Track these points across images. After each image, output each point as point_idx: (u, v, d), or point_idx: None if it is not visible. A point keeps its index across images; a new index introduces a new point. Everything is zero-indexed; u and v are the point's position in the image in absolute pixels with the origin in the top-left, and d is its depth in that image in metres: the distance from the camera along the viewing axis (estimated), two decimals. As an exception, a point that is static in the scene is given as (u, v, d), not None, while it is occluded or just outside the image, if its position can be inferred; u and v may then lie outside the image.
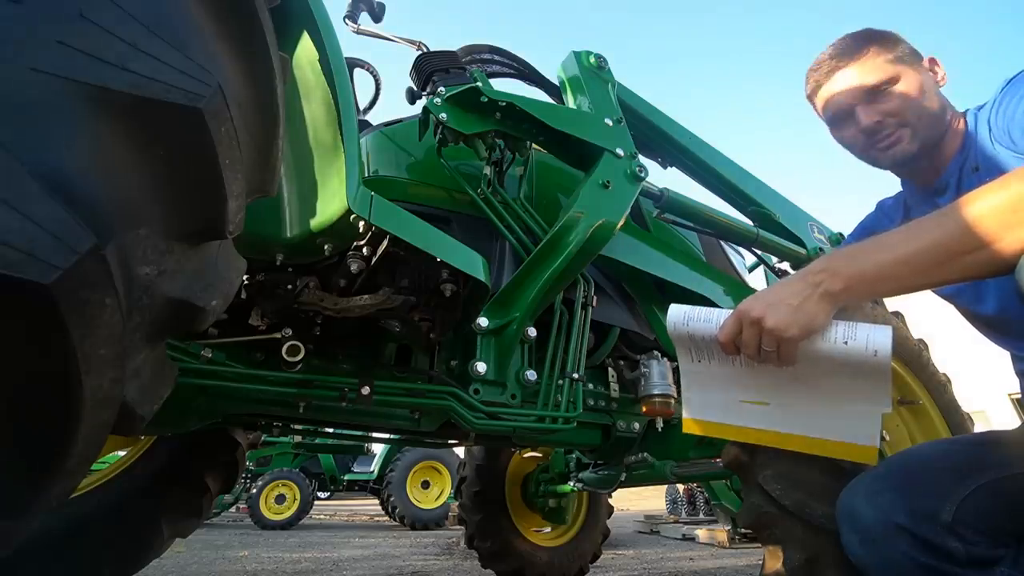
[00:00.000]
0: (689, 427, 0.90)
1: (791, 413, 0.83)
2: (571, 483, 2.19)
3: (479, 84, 1.24)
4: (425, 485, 7.25)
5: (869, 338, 0.74)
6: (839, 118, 1.08)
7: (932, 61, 1.06)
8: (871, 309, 1.19)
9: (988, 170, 0.94)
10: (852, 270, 0.77)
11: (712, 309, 0.85)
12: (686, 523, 6.52)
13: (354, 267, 1.04)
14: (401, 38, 1.53)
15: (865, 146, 1.06)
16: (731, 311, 0.82)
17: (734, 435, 0.88)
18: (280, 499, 6.97)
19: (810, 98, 1.14)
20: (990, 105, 0.98)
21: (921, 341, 1.43)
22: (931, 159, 1.05)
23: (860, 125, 1.04)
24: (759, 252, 1.81)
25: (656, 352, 1.61)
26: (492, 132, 1.28)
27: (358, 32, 1.58)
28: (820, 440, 0.82)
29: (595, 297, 1.41)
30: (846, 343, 0.75)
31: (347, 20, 1.56)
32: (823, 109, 1.11)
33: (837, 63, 1.06)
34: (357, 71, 1.68)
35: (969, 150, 1.01)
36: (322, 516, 9.80)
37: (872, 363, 0.74)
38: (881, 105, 1.02)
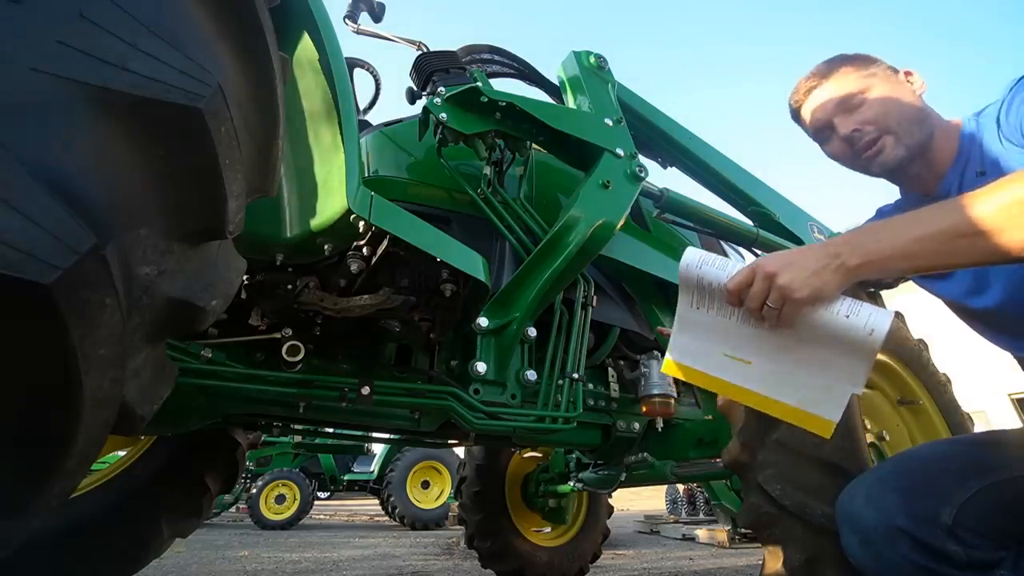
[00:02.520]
0: (668, 367, 0.92)
1: (769, 376, 0.84)
2: (571, 483, 2.19)
3: (479, 84, 1.24)
4: (425, 485, 7.25)
5: (871, 317, 0.75)
6: (821, 132, 1.12)
7: (907, 73, 1.09)
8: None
9: (995, 171, 0.94)
10: (871, 246, 0.78)
11: (727, 259, 0.86)
12: (686, 523, 6.52)
13: (354, 267, 1.04)
14: (401, 38, 1.53)
15: (852, 156, 1.08)
16: (745, 263, 0.83)
17: (708, 383, 0.89)
18: (280, 499, 6.97)
19: (795, 119, 1.19)
20: (998, 105, 0.98)
21: (921, 341, 1.43)
22: (927, 166, 1.05)
23: (840, 135, 1.07)
24: (759, 252, 1.81)
25: (656, 352, 1.61)
26: (492, 132, 1.28)
27: (358, 32, 1.58)
28: (787, 405, 0.83)
29: (595, 297, 1.41)
30: (847, 317, 0.76)
31: (347, 20, 1.56)
32: (807, 127, 1.16)
33: (813, 83, 1.12)
34: (357, 71, 1.68)
35: (969, 155, 1.01)
36: (322, 516, 9.80)
37: (865, 342, 0.75)
38: (857, 115, 1.05)
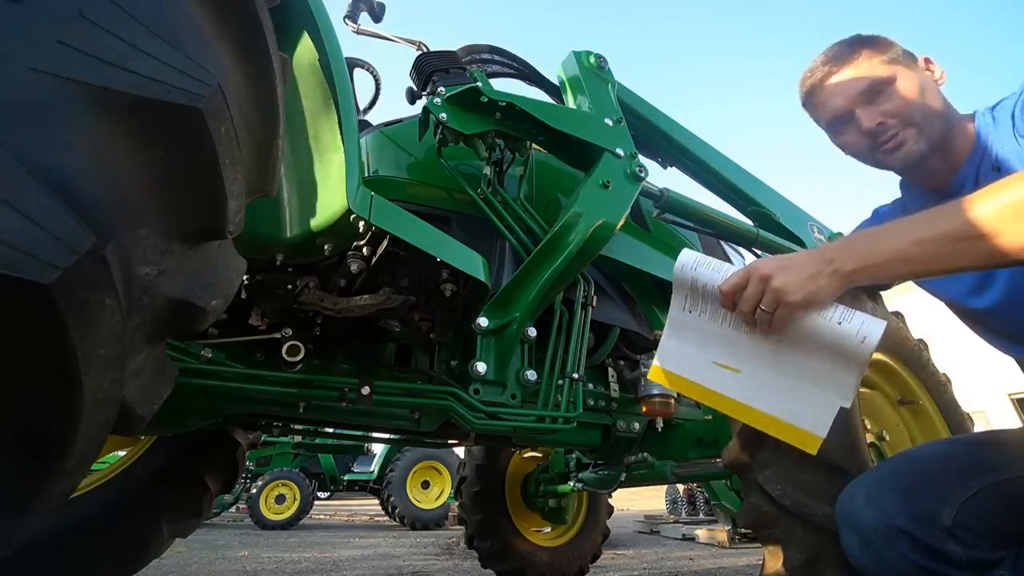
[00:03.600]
0: (655, 374, 0.92)
1: (757, 386, 0.84)
2: (571, 483, 2.19)
3: (479, 84, 1.24)
4: (425, 485, 7.25)
5: (863, 325, 0.75)
6: (838, 123, 1.06)
7: (927, 61, 1.04)
8: (872, 308, 1.19)
9: (1009, 167, 0.93)
10: (866, 251, 0.78)
11: (723, 262, 0.86)
12: (686, 523, 6.52)
13: (354, 267, 1.04)
14: (401, 38, 1.53)
15: (870, 149, 1.04)
16: (741, 267, 0.83)
17: (695, 393, 0.89)
18: (280, 499, 6.97)
19: (805, 106, 1.13)
20: (1014, 99, 0.96)
21: (921, 341, 1.43)
22: (944, 160, 1.03)
23: (862, 128, 1.02)
24: (759, 252, 1.81)
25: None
26: (492, 132, 1.28)
27: (358, 32, 1.58)
28: (774, 418, 0.83)
29: (595, 297, 1.41)
30: (839, 323, 0.76)
31: (347, 20, 1.56)
32: (821, 116, 1.09)
33: (831, 68, 1.04)
34: (357, 71, 1.68)
35: (984, 149, 0.99)
36: (322, 516, 9.80)
37: (856, 350, 0.75)
38: (881, 106, 1.00)
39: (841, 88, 1.03)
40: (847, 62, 1.03)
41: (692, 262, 0.85)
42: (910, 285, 1.20)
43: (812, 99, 1.09)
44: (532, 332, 1.28)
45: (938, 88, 1.03)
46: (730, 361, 0.85)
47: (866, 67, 1.01)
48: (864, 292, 1.16)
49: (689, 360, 0.88)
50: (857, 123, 1.02)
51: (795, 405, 0.81)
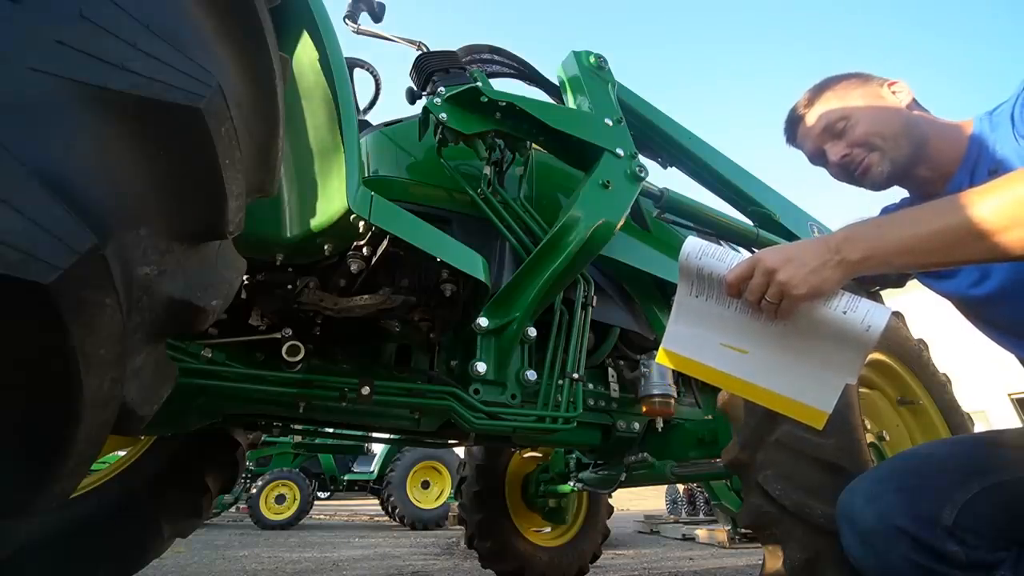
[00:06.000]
0: (662, 357, 0.93)
1: (764, 366, 0.85)
2: (571, 483, 2.19)
3: (479, 84, 1.24)
4: (425, 485, 7.24)
5: (868, 314, 0.76)
6: (817, 159, 1.17)
7: (892, 84, 1.11)
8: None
9: (1008, 168, 0.92)
10: (872, 241, 0.78)
11: (728, 250, 0.86)
12: (686, 523, 6.51)
13: (354, 267, 1.04)
14: (401, 38, 1.53)
15: (847, 175, 1.12)
16: (746, 256, 0.83)
17: (702, 374, 0.89)
18: (280, 499, 6.96)
19: (790, 144, 1.24)
20: (1012, 101, 0.97)
21: (921, 341, 1.43)
22: (932, 168, 1.05)
23: (832, 161, 1.11)
24: (759, 252, 1.81)
25: (656, 352, 1.61)
26: (492, 132, 1.28)
27: (358, 32, 1.58)
28: (781, 396, 0.84)
29: (595, 297, 1.41)
30: (844, 313, 0.77)
31: (347, 20, 1.56)
32: (804, 153, 1.21)
33: (800, 114, 1.18)
34: (357, 71, 1.68)
35: (979, 154, 1.00)
36: (322, 516, 9.79)
37: (861, 337, 0.76)
38: (844, 139, 1.09)
39: (808, 131, 1.15)
40: (810, 106, 1.15)
41: (697, 251, 0.86)
42: (910, 284, 1.20)
43: (793, 141, 1.23)
44: (532, 332, 1.28)
45: (904, 108, 1.08)
46: (737, 342, 0.86)
47: (825, 109, 1.12)
48: (864, 292, 1.17)
49: (696, 342, 0.89)
50: (828, 159, 1.12)
51: (801, 383, 0.82)
